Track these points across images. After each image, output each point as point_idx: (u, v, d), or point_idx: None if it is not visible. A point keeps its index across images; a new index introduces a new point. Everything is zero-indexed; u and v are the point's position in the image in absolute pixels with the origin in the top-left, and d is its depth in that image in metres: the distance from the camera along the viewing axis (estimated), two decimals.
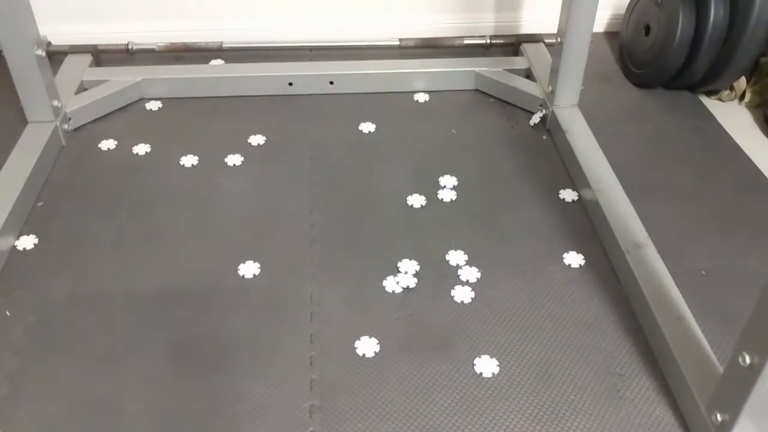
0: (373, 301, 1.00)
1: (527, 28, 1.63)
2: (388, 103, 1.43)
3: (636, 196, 1.12)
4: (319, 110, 1.42)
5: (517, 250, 1.09)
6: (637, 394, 0.88)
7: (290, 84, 1.45)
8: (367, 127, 1.36)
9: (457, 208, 1.17)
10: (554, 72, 1.32)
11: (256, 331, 0.95)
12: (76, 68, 1.46)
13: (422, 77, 1.46)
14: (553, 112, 1.33)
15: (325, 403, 0.86)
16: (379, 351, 0.93)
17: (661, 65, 1.41)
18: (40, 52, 1.21)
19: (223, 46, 1.55)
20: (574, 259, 1.07)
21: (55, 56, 1.48)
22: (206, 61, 1.57)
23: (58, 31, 1.54)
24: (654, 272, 0.98)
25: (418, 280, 1.03)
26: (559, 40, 1.27)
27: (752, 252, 1.09)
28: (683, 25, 1.34)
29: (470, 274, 1.04)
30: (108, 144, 1.31)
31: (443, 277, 1.04)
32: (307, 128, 1.36)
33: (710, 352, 0.86)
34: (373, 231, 1.12)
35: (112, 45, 1.53)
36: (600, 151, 1.23)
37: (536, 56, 1.50)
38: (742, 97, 1.44)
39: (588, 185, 1.16)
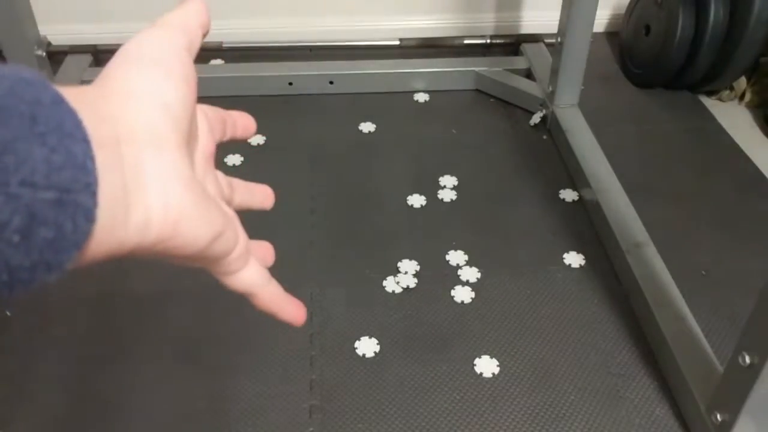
0: (373, 301, 1.00)
1: (527, 28, 1.63)
2: (388, 103, 1.43)
3: (636, 196, 1.12)
4: (319, 110, 1.41)
5: (518, 250, 1.09)
6: (637, 394, 0.88)
7: (290, 84, 1.45)
8: (367, 126, 1.36)
9: (457, 208, 1.17)
10: (554, 72, 1.31)
11: (255, 331, 0.95)
12: (76, 68, 1.46)
13: (422, 77, 1.46)
14: (553, 111, 1.33)
15: (325, 403, 0.86)
16: (379, 351, 0.93)
17: (661, 65, 1.41)
18: (40, 52, 1.21)
19: (223, 45, 1.55)
20: (574, 259, 1.07)
21: (55, 56, 1.48)
22: (206, 60, 1.56)
23: (58, 31, 1.54)
24: (654, 272, 0.98)
25: (418, 280, 1.03)
26: (559, 40, 1.27)
27: (752, 252, 1.09)
28: (683, 24, 1.34)
29: (470, 274, 1.04)
30: None
31: (443, 277, 1.04)
32: (307, 128, 1.36)
33: (710, 352, 0.86)
34: (373, 231, 1.12)
35: (112, 45, 1.53)
36: (600, 150, 1.23)
37: (536, 56, 1.50)
38: (742, 97, 1.44)
39: (588, 185, 1.16)
